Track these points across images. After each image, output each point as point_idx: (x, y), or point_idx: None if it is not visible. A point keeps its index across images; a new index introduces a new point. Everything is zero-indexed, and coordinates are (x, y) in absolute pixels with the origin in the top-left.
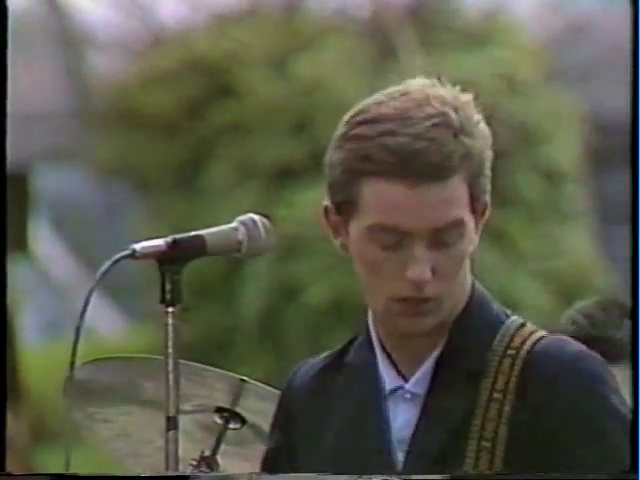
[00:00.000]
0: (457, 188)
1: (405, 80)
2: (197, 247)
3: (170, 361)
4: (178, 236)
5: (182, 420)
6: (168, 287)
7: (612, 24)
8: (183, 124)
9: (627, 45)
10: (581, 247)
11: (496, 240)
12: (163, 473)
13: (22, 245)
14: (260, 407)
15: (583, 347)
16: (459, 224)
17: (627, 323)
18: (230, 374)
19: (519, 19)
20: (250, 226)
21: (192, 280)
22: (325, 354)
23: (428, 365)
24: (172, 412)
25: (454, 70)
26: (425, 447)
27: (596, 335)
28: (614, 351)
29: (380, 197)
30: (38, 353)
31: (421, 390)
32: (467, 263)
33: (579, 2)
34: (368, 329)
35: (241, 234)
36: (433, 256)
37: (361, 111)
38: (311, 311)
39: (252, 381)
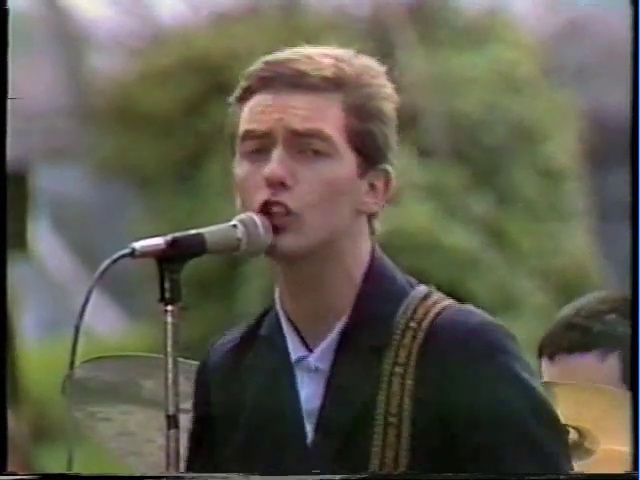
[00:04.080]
0: (326, 104)
1: (404, 77)
2: (196, 245)
3: (169, 359)
4: (177, 234)
5: (183, 419)
6: (167, 286)
7: (610, 22)
8: (183, 122)
9: (625, 43)
10: (580, 245)
11: (495, 238)
12: (165, 473)
13: (21, 244)
14: None
15: (485, 317)
16: (322, 136)
17: (612, 318)
18: None
19: (518, 17)
20: (249, 224)
21: (192, 279)
22: (241, 326)
23: (331, 339)
24: (172, 411)
25: (453, 68)
26: (332, 422)
27: (575, 322)
28: (585, 340)
29: (249, 109)
30: (37, 352)
31: (325, 364)
32: (359, 220)
33: (578, 0)
34: (274, 299)
35: (240, 232)
36: (293, 162)
37: None
38: None
39: None
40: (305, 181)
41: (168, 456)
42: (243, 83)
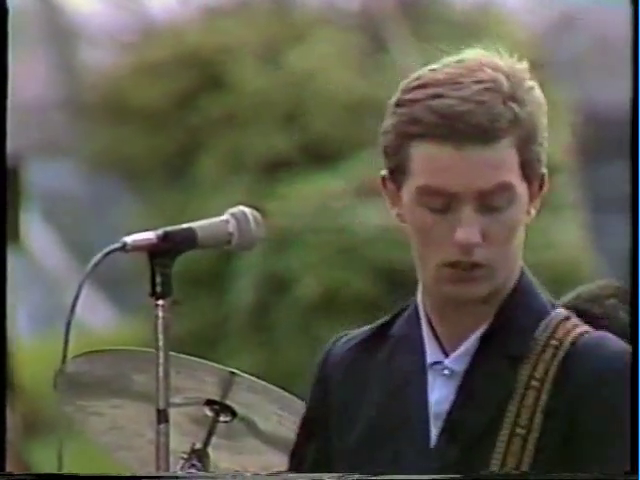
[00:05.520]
0: (505, 152)
1: (396, 72)
2: (188, 240)
3: (161, 354)
4: (169, 229)
5: (173, 413)
6: (158, 280)
7: (603, 16)
8: (174, 117)
9: (619, 37)
10: (572, 239)
11: None
12: (154, 473)
13: (14, 238)
14: (250, 400)
15: (624, 345)
16: (507, 188)
17: (612, 302)
18: (220, 367)
19: (510, 11)
20: (241, 219)
21: (183, 273)
22: (368, 326)
23: (470, 343)
24: (162, 405)
25: None
26: (460, 426)
27: (575, 305)
28: (585, 321)
29: (428, 159)
30: (29, 346)
31: (460, 367)
32: (520, 237)
33: None
34: (416, 302)
35: (232, 227)
36: (482, 220)
37: (415, 78)
38: (302, 304)
39: (242, 374)
40: (493, 235)
41: (158, 450)
42: (413, 127)
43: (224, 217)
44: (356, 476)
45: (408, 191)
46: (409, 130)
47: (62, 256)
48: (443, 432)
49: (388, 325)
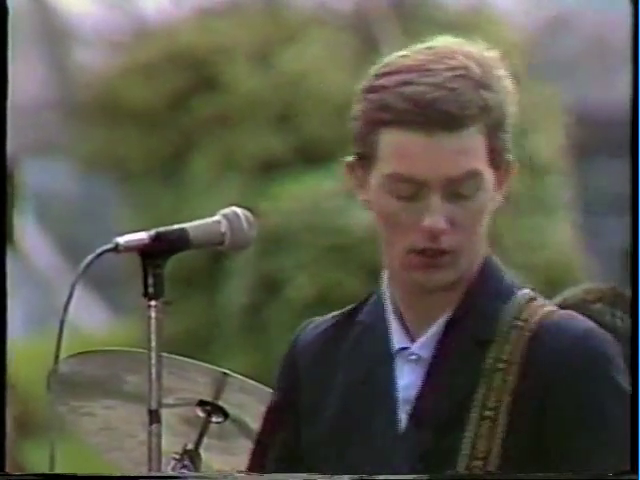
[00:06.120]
0: (474, 139)
1: None
2: (180, 240)
3: (153, 354)
4: (161, 229)
5: (165, 414)
6: (151, 281)
7: (599, 17)
8: (167, 117)
9: (613, 38)
10: (565, 239)
11: None
12: (146, 473)
13: (7, 238)
14: (242, 400)
15: (592, 324)
16: (475, 175)
17: (597, 307)
18: (213, 367)
19: (504, 12)
20: (233, 219)
21: (176, 274)
22: (334, 313)
23: (436, 329)
24: (154, 406)
25: None
26: (428, 411)
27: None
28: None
29: (396, 146)
30: (22, 346)
31: (427, 353)
32: (486, 223)
33: None
34: (382, 288)
35: (224, 227)
36: (449, 207)
37: (385, 64)
38: (295, 305)
39: (234, 374)
40: (460, 223)
41: (150, 451)
42: (382, 114)
43: (216, 218)
44: (346, 477)
45: (376, 178)
46: (378, 117)
47: (55, 256)
48: (412, 417)
49: (355, 312)
